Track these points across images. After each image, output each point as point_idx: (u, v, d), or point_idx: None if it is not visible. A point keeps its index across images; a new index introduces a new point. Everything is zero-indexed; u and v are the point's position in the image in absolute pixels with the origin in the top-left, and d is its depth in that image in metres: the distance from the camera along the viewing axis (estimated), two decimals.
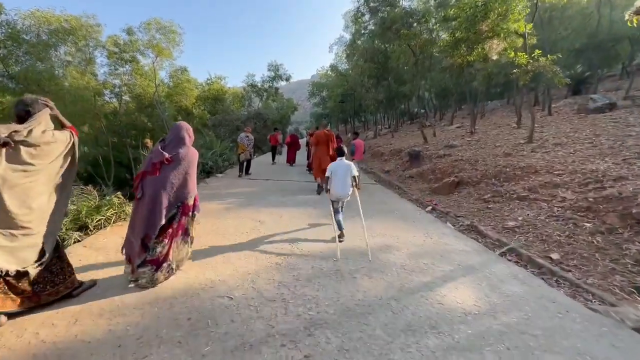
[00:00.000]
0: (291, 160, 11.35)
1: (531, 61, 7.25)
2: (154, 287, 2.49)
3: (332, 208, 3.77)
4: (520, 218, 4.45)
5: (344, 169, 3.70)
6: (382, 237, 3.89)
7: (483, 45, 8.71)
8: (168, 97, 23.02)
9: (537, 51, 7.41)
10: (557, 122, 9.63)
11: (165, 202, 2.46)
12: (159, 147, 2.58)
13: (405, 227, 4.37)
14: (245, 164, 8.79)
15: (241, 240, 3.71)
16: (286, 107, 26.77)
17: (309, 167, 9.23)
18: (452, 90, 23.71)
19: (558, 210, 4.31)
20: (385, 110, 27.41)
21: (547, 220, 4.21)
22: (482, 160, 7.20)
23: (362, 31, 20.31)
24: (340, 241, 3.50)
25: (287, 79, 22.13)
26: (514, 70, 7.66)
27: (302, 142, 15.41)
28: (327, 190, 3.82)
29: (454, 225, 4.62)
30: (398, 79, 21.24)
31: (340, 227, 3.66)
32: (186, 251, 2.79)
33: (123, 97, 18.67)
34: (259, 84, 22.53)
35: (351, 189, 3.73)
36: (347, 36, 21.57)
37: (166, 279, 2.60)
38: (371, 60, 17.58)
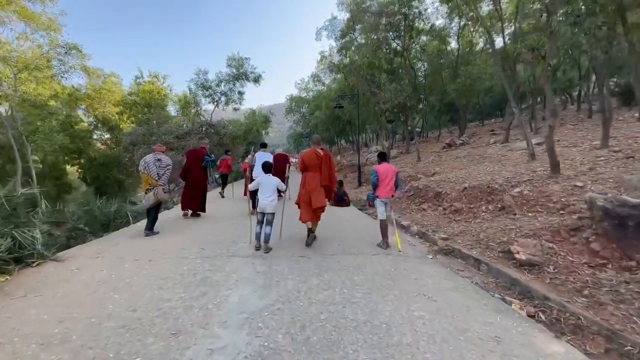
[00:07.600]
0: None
1: None
2: None
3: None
4: None
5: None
6: None
7: None
8: (79, 101, 15.43)
9: None
10: None
11: None
12: None
13: None
14: (152, 212, 4.76)
15: None
16: (256, 118, 19.53)
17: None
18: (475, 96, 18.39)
19: None
20: (385, 125, 21.43)
21: None
22: None
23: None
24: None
25: (256, 80, 15.63)
26: None
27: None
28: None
29: None
30: (413, 81, 15.45)
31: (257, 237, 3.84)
32: None
33: None
34: (212, 84, 15.53)
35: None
36: (342, 18, 15.59)
37: None
38: (384, 46, 11.71)
